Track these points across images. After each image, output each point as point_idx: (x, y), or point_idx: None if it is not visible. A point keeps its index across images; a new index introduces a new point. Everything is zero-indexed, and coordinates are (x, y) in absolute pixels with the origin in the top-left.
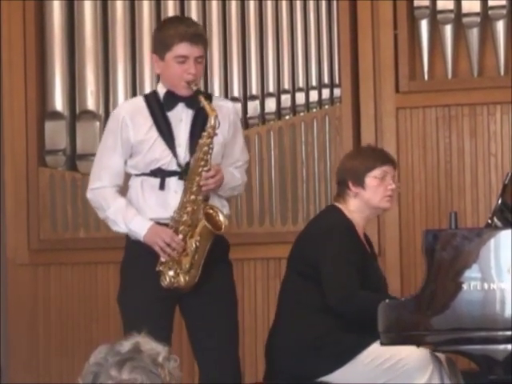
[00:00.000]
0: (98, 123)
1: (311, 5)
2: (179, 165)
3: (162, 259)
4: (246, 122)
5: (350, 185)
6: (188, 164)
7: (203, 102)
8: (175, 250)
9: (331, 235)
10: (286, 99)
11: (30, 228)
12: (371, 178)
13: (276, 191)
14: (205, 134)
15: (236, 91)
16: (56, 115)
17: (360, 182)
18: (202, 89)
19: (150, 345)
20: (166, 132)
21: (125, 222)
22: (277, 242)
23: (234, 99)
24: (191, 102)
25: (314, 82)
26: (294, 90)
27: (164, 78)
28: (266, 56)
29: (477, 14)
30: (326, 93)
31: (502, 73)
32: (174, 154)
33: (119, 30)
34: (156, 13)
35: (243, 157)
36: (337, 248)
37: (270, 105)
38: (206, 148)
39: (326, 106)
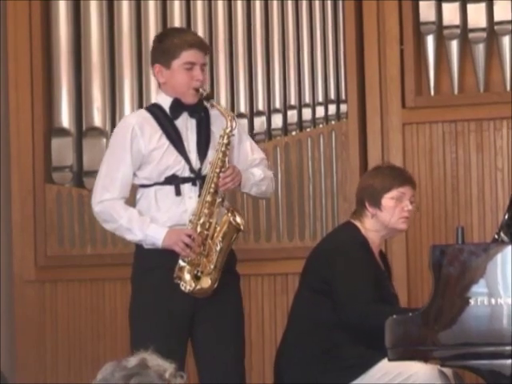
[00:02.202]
0: (104, 140)
1: (317, 21)
2: (192, 170)
3: (182, 263)
4: (252, 138)
5: (367, 205)
6: (200, 170)
7: (217, 105)
8: (191, 254)
9: (345, 251)
10: (292, 115)
11: (37, 244)
12: (388, 200)
13: (283, 207)
14: (223, 135)
15: (242, 107)
16: (63, 132)
17: (377, 203)
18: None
19: (156, 361)
20: (176, 139)
21: (141, 229)
22: (284, 258)
23: (240, 115)
24: (194, 111)
25: (320, 98)
26: (300, 105)
27: (170, 86)
28: (273, 72)
29: (483, 30)
30: (332, 108)
31: (509, 88)
32: (187, 160)
33: (125, 47)
34: (162, 29)
35: (257, 155)
36: (351, 263)
37: (277, 121)
38: (223, 149)
39: (333, 122)
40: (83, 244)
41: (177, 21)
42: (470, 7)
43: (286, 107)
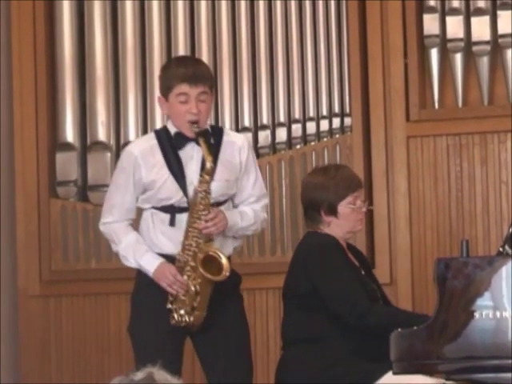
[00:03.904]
0: (108, 154)
1: (321, 34)
2: (189, 203)
3: (170, 298)
4: (256, 152)
5: (323, 214)
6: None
7: (202, 145)
8: (179, 290)
9: (322, 257)
10: (296, 129)
11: (42, 259)
12: (344, 207)
13: (287, 220)
14: (201, 179)
15: (247, 121)
16: (67, 146)
17: (333, 211)
18: (204, 128)
19: (163, 376)
20: (177, 171)
21: (135, 258)
22: None
23: (244, 129)
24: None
25: (324, 112)
26: (304, 119)
27: (171, 118)
28: (277, 86)
29: (487, 43)
30: (336, 122)
31: None
32: (185, 193)
33: (130, 61)
34: (167, 43)
35: (256, 191)
36: (334, 266)
37: (281, 134)
38: (203, 194)
39: (337, 135)
40: (88, 258)
41: (181, 37)
42: (474, 20)
43: (290, 121)
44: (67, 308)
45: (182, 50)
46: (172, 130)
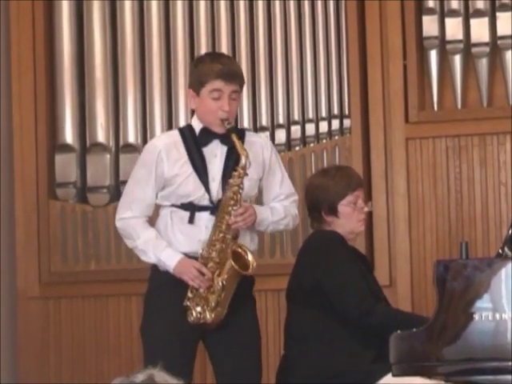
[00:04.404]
0: (108, 156)
1: (321, 37)
2: (211, 201)
3: (190, 294)
4: None
5: (323, 214)
6: (220, 200)
7: (235, 141)
8: (202, 285)
9: (328, 250)
10: (295, 130)
11: (41, 261)
12: (344, 206)
13: None
14: (235, 173)
15: (246, 122)
16: (66, 148)
17: (333, 211)
18: (235, 125)
19: (164, 378)
20: (199, 167)
21: (155, 253)
22: (288, 274)
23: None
24: (226, 138)
25: (323, 113)
26: (303, 121)
27: (199, 113)
28: (276, 87)
29: (486, 44)
30: (335, 124)
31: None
32: (207, 190)
33: (129, 63)
34: (166, 44)
35: (284, 190)
36: (339, 261)
37: (280, 136)
38: (235, 188)
39: (336, 137)
40: (87, 260)
41: (180, 38)
42: (473, 22)
43: (289, 122)
44: (66, 310)
45: (181, 50)
46: (197, 126)
